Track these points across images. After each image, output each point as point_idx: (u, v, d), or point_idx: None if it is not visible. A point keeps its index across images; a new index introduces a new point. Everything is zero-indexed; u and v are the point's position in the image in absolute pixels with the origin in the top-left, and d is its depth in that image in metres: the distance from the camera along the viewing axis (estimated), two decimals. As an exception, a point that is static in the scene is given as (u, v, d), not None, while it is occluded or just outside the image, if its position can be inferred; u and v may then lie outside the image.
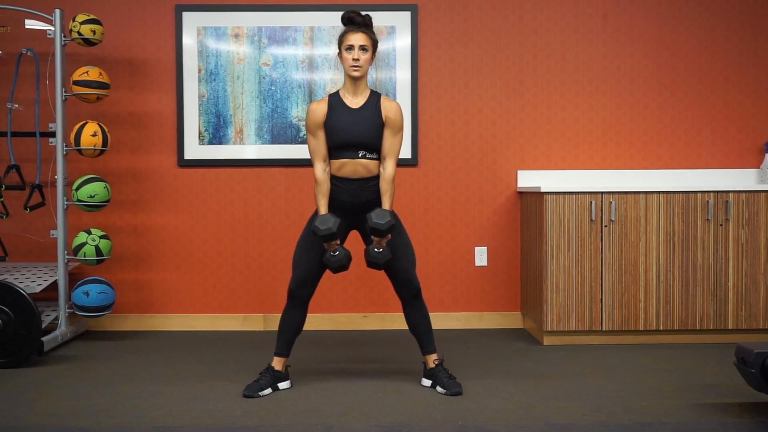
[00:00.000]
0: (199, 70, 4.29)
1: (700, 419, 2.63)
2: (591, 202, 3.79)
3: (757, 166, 4.35)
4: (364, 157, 2.99)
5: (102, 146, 3.91)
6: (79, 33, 3.87)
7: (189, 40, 4.28)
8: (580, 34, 4.33)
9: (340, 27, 4.24)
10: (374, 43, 3.02)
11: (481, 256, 4.34)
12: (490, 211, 4.35)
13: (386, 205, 3.00)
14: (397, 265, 3.02)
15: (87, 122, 3.91)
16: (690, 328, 3.84)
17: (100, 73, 3.92)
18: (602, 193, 3.81)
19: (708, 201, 3.81)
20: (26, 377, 3.25)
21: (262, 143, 4.30)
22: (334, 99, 3.04)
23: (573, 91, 4.33)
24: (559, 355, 3.62)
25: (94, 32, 3.91)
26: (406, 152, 4.30)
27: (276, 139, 4.30)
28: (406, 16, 4.29)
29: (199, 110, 4.29)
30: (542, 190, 3.78)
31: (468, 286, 4.35)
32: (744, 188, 3.81)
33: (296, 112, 4.30)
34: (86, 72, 3.88)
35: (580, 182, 4.31)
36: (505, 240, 4.35)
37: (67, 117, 4.02)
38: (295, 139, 4.30)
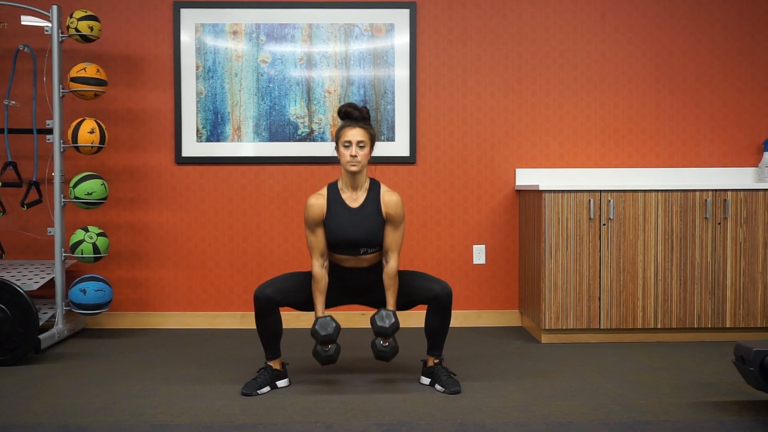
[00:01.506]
0: (197, 67, 4.27)
1: (699, 417, 2.63)
2: (589, 200, 3.79)
3: (756, 165, 4.35)
4: (365, 253, 2.98)
5: (99, 143, 3.90)
6: (76, 29, 3.86)
7: (187, 37, 4.27)
8: (579, 32, 4.33)
9: (338, 24, 4.26)
10: (372, 138, 2.97)
11: (479, 255, 4.34)
12: (488, 209, 4.35)
13: (390, 303, 2.97)
14: (421, 289, 2.97)
15: (84, 119, 3.90)
16: (688, 326, 3.84)
17: (98, 70, 3.90)
18: (601, 191, 3.81)
19: (706, 199, 3.82)
20: (23, 375, 3.24)
21: (260, 141, 4.29)
22: (333, 195, 2.98)
23: (571, 90, 4.33)
24: (557, 354, 3.62)
25: (91, 29, 3.89)
26: (404, 150, 4.30)
27: (274, 136, 4.29)
28: (404, 13, 4.28)
29: (197, 107, 4.28)
30: (541, 188, 3.78)
31: (466, 284, 4.35)
32: (742, 187, 3.81)
33: (294, 110, 4.30)
34: (84, 69, 3.87)
35: (579, 180, 4.31)
36: (503, 238, 4.35)
37: (64, 114, 4.01)
38: (293, 137, 4.30)
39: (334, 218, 2.95)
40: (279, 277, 3.04)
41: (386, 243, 2.99)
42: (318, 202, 2.97)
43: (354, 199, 2.98)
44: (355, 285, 3.07)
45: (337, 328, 2.88)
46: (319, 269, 2.99)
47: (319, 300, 2.99)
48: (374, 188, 3.00)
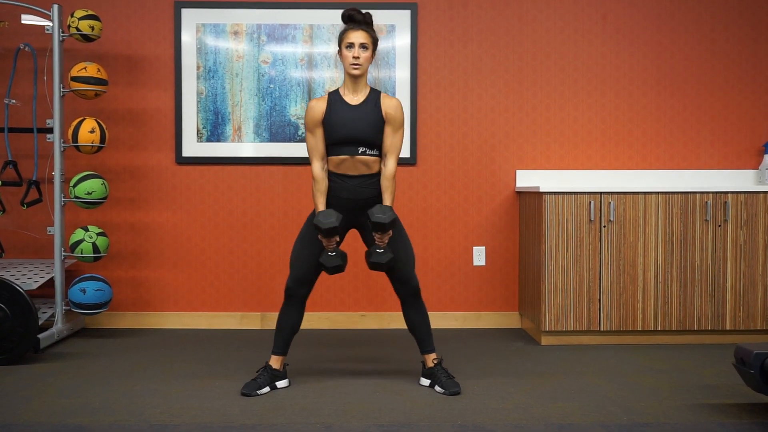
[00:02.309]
0: (198, 68, 4.27)
1: (699, 420, 2.63)
2: (590, 202, 3.79)
3: (756, 167, 4.35)
4: (364, 153, 2.97)
5: (100, 143, 3.90)
6: (77, 29, 3.86)
7: (188, 37, 4.27)
8: (580, 33, 4.33)
9: (339, 25, 4.25)
10: (374, 41, 3.00)
11: (479, 256, 4.34)
12: (488, 210, 4.35)
13: (387, 201, 2.99)
14: (396, 264, 3.01)
15: (85, 118, 3.90)
16: (688, 328, 3.84)
17: (99, 70, 3.90)
18: (601, 193, 3.80)
19: (707, 202, 3.81)
20: (22, 374, 3.23)
21: (261, 141, 4.29)
22: (334, 96, 3.02)
23: (572, 91, 4.33)
24: (557, 355, 3.62)
25: (92, 28, 3.89)
26: (404, 151, 4.29)
27: (274, 137, 4.29)
28: (405, 14, 4.28)
29: (198, 107, 4.28)
30: (541, 190, 3.78)
31: (466, 285, 4.35)
32: (743, 189, 3.81)
33: (295, 110, 4.29)
34: (84, 68, 3.87)
35: (579, 182, 4.31)
36: (503, 240, 4.35)
37: (64, 113, 4.01)
38: (294, 137, 4.29)
39: (335, 114, 2.97)
40: (292, 260, 3.04)
41: (385, 145, 3.00)
42: (318, 104, 3.00)
43: (354, 99, 3.01)
44: (352, 198, 3.00)
45: (339, 216, 2.89)
46: (320, 171, 3.00)
47: (321, 200, 3.00)
48: (374, 92, 3.04)
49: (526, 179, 4.32)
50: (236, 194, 4.32)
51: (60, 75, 3.88)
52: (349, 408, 2.76)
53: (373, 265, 2.95)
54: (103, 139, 3.91)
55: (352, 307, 4.33)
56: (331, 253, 2.93)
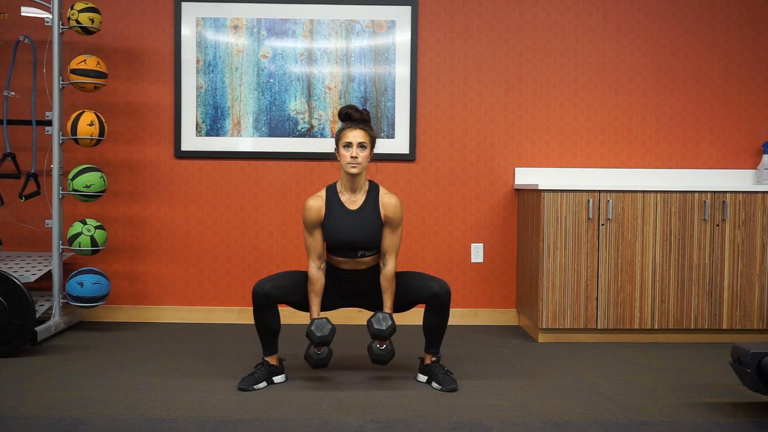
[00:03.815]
0: (198, 62, 4.26)
1: (696, 418, 2.64)
2: (588, 200, 3.79)
3: (755, 167, 4.35)
4: (363, 256, 2.98)
5: (99, 136, 3.89)
6: (77, 21, 3.85)
7: (187, 31, 4.26)
8: (580, 32, 4.33)
9: (339, 20, 4.26)
10: (372, 140, 2.96)
11: (477, 253, 4.34)
12: (487, 207, 4.35)
13: (387, 305, 2.97)
14: (419, 288, 2.97)
15: (84, 111, 3.89)
16: (685, 327, 3.85)
17: (98, 62, 3.89)
18: (600, 191, 3.81)
19: (705, 201, 3.82)
20: (19, 367, 3.23)
21: (260, 136, 4.28)
22: (332, 197, 2.98)
23: (572, 89, 4.33)
24: (554, 353, 3.63)
25: (92, 21, 3.88)
26: (403, 148, 4.29)
27: (273, 132, 4.28)
28: (406, 10, 4.27)
29: (197, 101, 4.27)
30: (540, 187, 3.78)
31: (464, 282, 4.35)
32: (741, 189, 3.82)
33: (294, 105, 4.29)
34: (84, 61, 3.86)
35: (578, 180, 4.31)
36: (501, 237, 4.35)
37: (63, 106, 4.00)
38: (293, 133, 4.29)
39: (333, 221, 2.94)
40: (278, 274, 3.04)
41: (384, 246, 2.98)
42: (316, 204, 2.96)
43: (353, 201, 2.97)
44: (352, 287, 3.07)
45: (333, 329, 2.88)
46: (316, 271, 2.98)
47: (315, 302, 2.98)
48: (373, 190, 2.99)
49: (525, 177, 4.32)
50: (235, 189, 4.32)
51: (59, 67, 3.87)
52: (346, 404, 2.76)
53: (376, 363, 2.94)
54: (102, 132, 3.90)
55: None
56: (319, 352, 2.91)
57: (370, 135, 2.95)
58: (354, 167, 2.90)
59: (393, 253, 2.98)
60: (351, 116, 2.94)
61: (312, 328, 2.87)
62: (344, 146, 2.92)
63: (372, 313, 2.96)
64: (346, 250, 2.96)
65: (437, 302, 2.95)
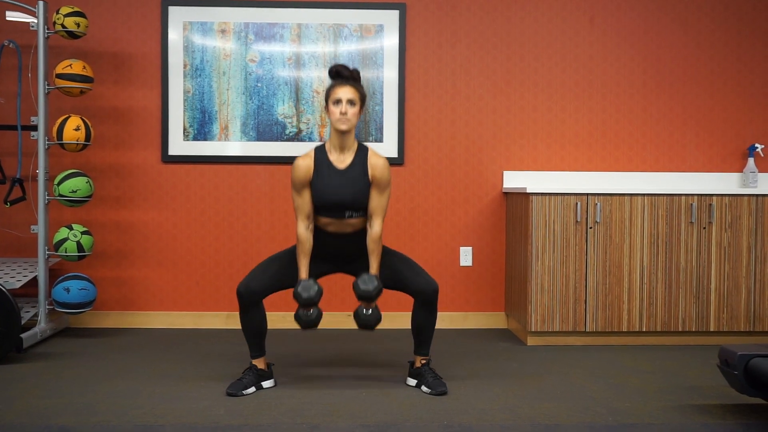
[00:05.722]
0: (185, 66, 4.25)
1: (684, 420, 2.65)
2: (576, 203, 3.80)
3: (741, 170, 4.39)
4: (350, 217, 2.97)
5: (85, 141, 3.86)
6: (62, 25, 3.82)
7: (174, 35, 4.24)
8: (567, 36, 4.35)
9: (327, 24, 4.26)
10: (362, 98, 2.96)
11: (466, 257, 4.34)
12: (475, 211, 4.35)
13: (374, 267, 2.96)
14: (407, 279, 2.98)
15: (70, 116, 3.86)
16: (672, 329, 3.86)
17: (84, 67, 3.87)
18: (587, 194, 3.82)
19: (692, 204, 3.84)
20: (5, 374, 3.20)
21: (248, 140, 4.27)
22: (320, 156, 2.98)
23: (559, 93, 4.35)
24: (543, 356, 3.63)
25: (78, 25, 3.86)
26: (392, 151, 4.29)
27: (261, 136, 4.27)
28: (394, 14, 4.27)
29: (184, 106, 4.25)
30: (528, 191, 3.79)
31: (453, 286, 4.35)
32: (727, 192, 3.84)
33: (282, 110, 4.28)
34: (70, 65, 3.83)
35: (566, 183, 4.32)
36: (490, 240, 4.35)
37: (49, 110, 3.97)
38: (281, 137, 4.28)
39: (321, 179, 2.94)
40: (257, 268, 3.01)
41: (371, 206, 2.97)
42: (305, 162, 2.96)
43: (341, 160, 2.97)
44: (338, 252, 3.04)
45: (320, 291, 2.87)
46: (304, 231, 2.97)
47: (303, 262, 2.97)
48: (362, 151, 2.99)
49: (513, 180, 4.33)
50: (222, 193, 4.30)
51: (45, 72, 3.85)
52: (336, 408, 2.75)
53: (362, 327, 2.92)
54: (88, 137, 3.88)
55: (339, 307, 4.32)
56: (309, 312, 2.90)
57: (359, 92, 2.95)
58: (343, 123, 2.90)
59: (380, 215, 2.98)
60: (341, 73, 2.95)
61: (299, 289, 2.87)
62: (334, 103, 2.92)
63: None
64: (334, 210, 2.95)
65: (423, 299, 2.96)
